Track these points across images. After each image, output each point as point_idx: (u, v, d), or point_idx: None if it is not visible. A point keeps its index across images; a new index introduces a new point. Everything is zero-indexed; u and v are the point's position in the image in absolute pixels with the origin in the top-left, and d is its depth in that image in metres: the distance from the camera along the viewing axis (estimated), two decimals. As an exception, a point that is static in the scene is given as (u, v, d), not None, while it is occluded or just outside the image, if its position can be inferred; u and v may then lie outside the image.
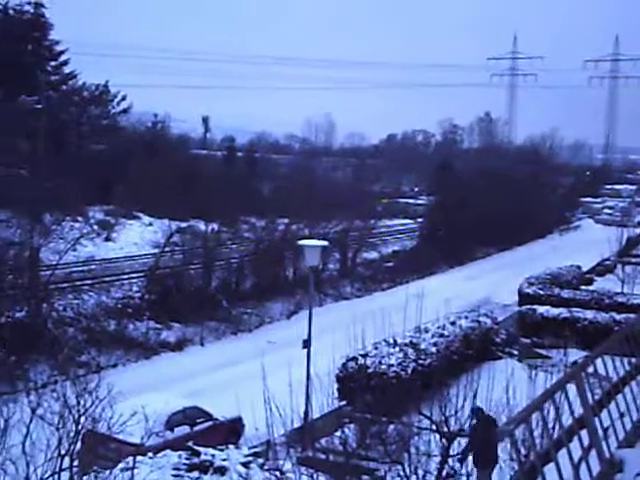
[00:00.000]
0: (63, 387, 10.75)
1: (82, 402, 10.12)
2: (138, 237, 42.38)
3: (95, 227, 41.66)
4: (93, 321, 28.02)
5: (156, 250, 34.82)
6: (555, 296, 31.66)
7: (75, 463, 10.06)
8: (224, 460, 12.63)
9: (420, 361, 20.45)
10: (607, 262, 45.45)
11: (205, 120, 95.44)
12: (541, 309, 29.10)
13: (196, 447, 13.28)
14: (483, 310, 28.13)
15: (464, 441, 11.73)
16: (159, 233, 36.33)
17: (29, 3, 52.37)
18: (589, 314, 27.92)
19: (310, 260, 18.88)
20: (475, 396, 11.72)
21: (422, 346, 21.37)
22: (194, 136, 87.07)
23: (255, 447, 14.87)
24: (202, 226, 36.67)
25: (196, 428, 17.40)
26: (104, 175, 46.17)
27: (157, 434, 15.30)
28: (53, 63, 55.30)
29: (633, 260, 43.66)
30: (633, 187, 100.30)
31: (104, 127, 57.57)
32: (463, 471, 11.36)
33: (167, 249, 34.45)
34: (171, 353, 27.84)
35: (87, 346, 25.95)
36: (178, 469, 12.21)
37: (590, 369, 7.29)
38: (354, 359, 19.73)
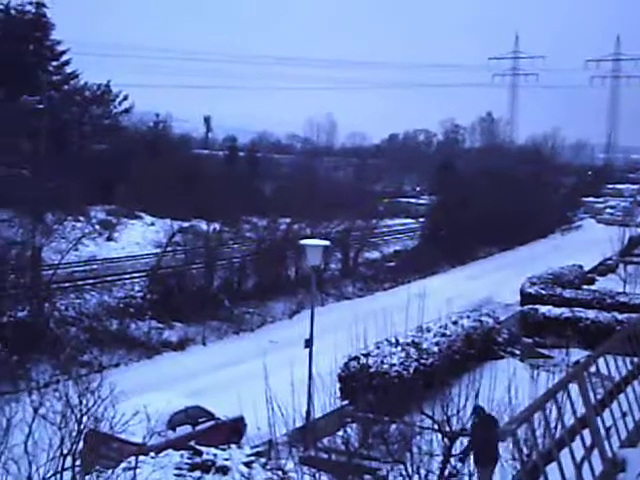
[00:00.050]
0: (65, 387, 10.78)
1: (84, 402, 10.13)
2: (140, 237, 42.32)
3: (97, 227, 41.62)
4: (95, 321, 28.06)
5: (158, 250, 34.84)
6: (557, 296, 31.64)
7: (77, 463, 10.08)
8: (226, 460, 12.63)
9: (422, 361, 20.47)
10: (609, 262, 45.41)
11: (207, 120, 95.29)
12: (543, 309, 29.11)
13: (198, 447, 13.30)
14: (485, 310, 28.16)
15: (466, 440, 11.75)
16: (161, 233, 36.32)
17: (31, 3, 52.51)
18: (591, 314, 27.92)
19: (312, 260, 18.90)
20: (477, 396, 11.74)
21: (424, 346, 21.40)
22: (196, 136, 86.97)
23: (257, 447, 14.90)
24: (204, 226, 36.72)
25: (198, 428, 17.41)
26: (106, 175, 46.18)
27: (159, 434, 15.34)
28: (55, 63, 55.31)
29: (635, 260, 43.50)
30: (635, 186, 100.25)
31: (106, 127, 57.57)
32: (465, 470, 11.38)
33: (169, 249, 34.50)
34: (173, 353, 27.89)
35: (89, 346, 26.00)
36: (180, 469, 12.22)
37: (592, 369, 7.28)
38: (356, 359, 19.76)
